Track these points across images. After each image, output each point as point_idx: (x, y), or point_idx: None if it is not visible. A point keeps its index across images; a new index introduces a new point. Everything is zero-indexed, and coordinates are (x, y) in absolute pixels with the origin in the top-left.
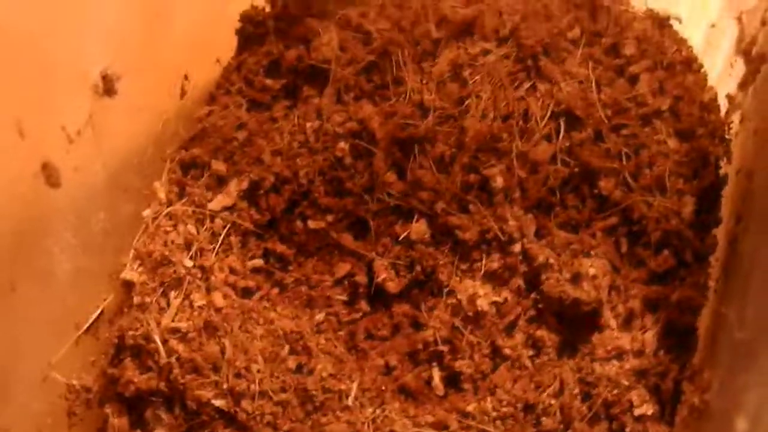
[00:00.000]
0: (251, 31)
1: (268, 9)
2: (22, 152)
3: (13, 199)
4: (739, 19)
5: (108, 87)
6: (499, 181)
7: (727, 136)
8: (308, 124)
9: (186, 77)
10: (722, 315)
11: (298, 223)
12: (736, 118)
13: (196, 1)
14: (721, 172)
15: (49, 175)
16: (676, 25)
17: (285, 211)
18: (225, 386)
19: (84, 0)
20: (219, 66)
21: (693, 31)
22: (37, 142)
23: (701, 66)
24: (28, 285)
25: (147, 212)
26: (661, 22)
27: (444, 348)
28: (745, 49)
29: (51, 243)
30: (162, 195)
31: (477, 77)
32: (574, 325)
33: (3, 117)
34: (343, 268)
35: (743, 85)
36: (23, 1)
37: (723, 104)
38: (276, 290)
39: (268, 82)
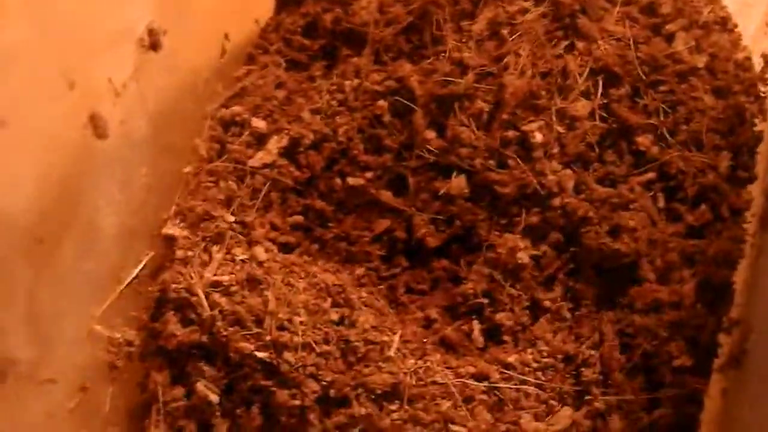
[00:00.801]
0: None
1: None
2: (72, 102)
3: (63, 149)
4: None
5: (153, 41)
6: (538, 137)
7: (762, 94)
8: (347, 83)
9: (226, 36)
10: (760, 268)
11: (338, 180)
12: None
13: None
14: (757, 129)
15: (97, 126)
16: None
17: (324, 169)
18: (268, 338)
19: None
20: (257, 26)
21: None
22: (85, 93)
23: (736, 25)
24: (74, 238)
25: (188, 168)
26: None
27: (484, 301)
28: None
29: (97, 196)
30: (203, 152)
31: (515, 35)
32: (613, 277)
33: (53, 68)
34: (382, 224)
35: None
36: None
37: (758, 63)
38: (316, 246)
39: (306, 42)
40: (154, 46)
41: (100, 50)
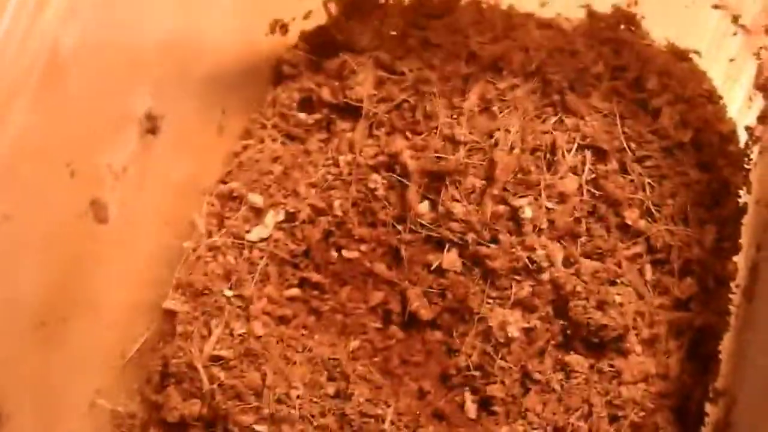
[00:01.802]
0: (286, 68)
1: (300, 50)
2: (72, 191)
3: (63, 237)
4: (758, 55)
5: (152, 126)
6: (527, 212)
7: (746, 167)
8: (341, 157)
9: (223, 112)
10: (745, 341)
11: (333, 253)
12: (755, 148)
13: (231, 40)
14: (741, 201)
15: (97, 211)
16: (695, 59)
17: (320, 241)
18: (266, 411)
19: (129, 47)
20: (255, 100)
21: (712, 64)
22: (86, 180)
23: (721, 98)
24: (78, 316)
25: (188, 243)
26: (682, 56)
27: (476, 373)
28: (763, 85)
29: (99, 275)
30: (202, 227)
31: (505, 111)
32: (601, 350)
33: (56, 159)
34: (377, 296)
35: (762, 119)
36: (76, 51)
37: (742, 135)
38: (312, 318)
39: (302, 116)
40: (153, 130)
41: (101, 137)
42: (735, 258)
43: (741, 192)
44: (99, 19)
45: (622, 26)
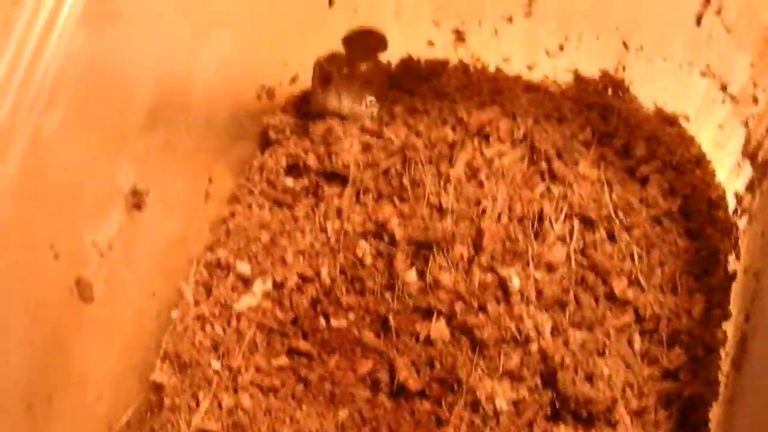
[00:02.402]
0: (272, 133)
1: (288, 118)
2: (57, 271)
3: (48, 318)
4: (746, 124)
5: (138, 201)
6: (515, 282)
7: (735, 233)
8: (329, 224)
9: (210, 180)
10: (734, 411)
11: (321, 321)
12: (743, 216)
13: (217, 107)
14: (730, 267)
15: (83, 290)
16: (684, 124)
17: (308, 310)
18: None
19: (112, 123)
20: (242, 166)
21: (701, 130)
22: (70, 260)
23: (709, 162)
24: (64, 394)
25: (175, 313)
26: (670, 120)
27: None
28: (751, 153)
29: (84, 352)
30: (189, 296)
31: (493, 179)
32: (590, 422)
33: (39, 241)
34: (365, 366)
35: (751, 188)
36: (58, 133)
37: (731, 200)
38: (301, 387)
39: (290, 182)
40: (139, 205)
41: (86, 216)
42: (724, 325)
43: (730, 257)
44: (80, 99)
45: (610, 91)
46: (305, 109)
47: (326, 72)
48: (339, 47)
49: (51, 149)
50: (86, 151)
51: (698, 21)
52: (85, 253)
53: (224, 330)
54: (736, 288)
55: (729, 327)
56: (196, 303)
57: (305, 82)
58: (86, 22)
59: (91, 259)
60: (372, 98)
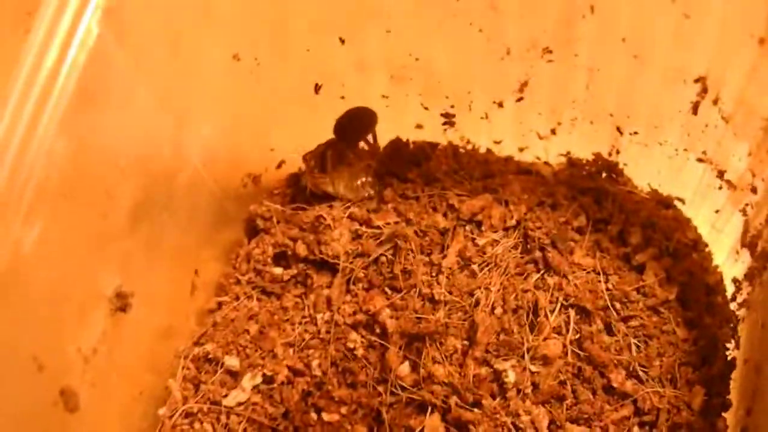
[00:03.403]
0: (259, 221)
1: (275, 205)
2: (41, 384)
3: (34, 430)
4: (744, 212)
5: (122, 304)
6: (510, 376)
7: (734, 320)
8: (319, 315)
9: (196, 272)
10: None
11: (313, 415)
12: (743, 306)
13: (201, 197)
14: (729, 355)
15: (68, 400)
16: (679, 206)
17: (299, 403)
18: None
19: (94, 230)
20: (228, 255)
21: (697, 213)
22: (54, 370)
23: (706, 245)
24: None
25: (163, 411)
26: (666, 203)
27: None
28: (750, 243)
29: None
30: (177, 393)
31: (486, 269)
32: None
33: (21, 355)
34: None
35: (749, 277)
36: (39, 246)
37: (729, 285)
38: None
39: (278, 272)
40: (124, 308)
41: (69, 324)
42: (725, 414)
43: (729, 346)
44: (61, 211)
45: (604, 174)
46: (293, 196)
47: (321, 158)
48: (326, 132)
49: (32, 260)
50: (68, 259)
51: (695, 110)
52: (69, 362)
53: (214, 427)
54: (735, 376)
55: (730, 417)
56: (185, 400)
57: (291, 167)
58: (66, 127)
59: (75, 366)
60: (368, 180)
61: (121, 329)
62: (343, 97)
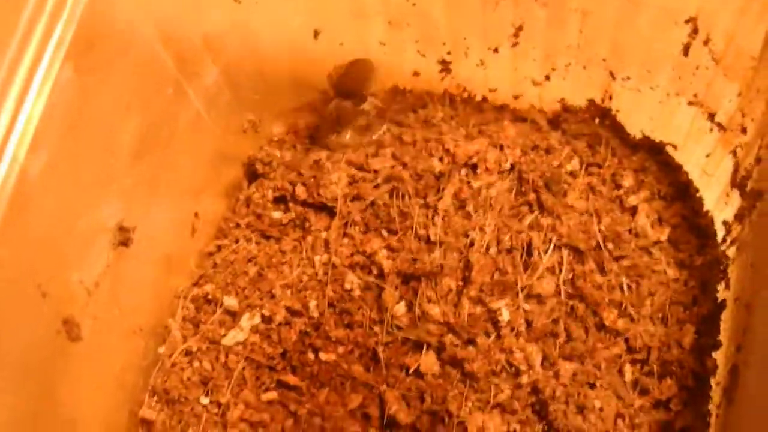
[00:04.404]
0: (259, 166)
1: (275, 151)
2: (45, 312)
3: (38, 358)
4: (734, 153)
5: (124, 238)
6: (504, 315)
7: (724, 261)
8: (317, 258)
9: (196, 215)
10: None
11: (310, 355)
12: (732, 245)
13: (202, 140)
14: (719, 296)
15: (70, 330)
16: (671, 152)
17: (296, 343)
18: None
19: (97, 162)
20: (228, 199)
21: (688, 158)
22: (58, 300)
23: (697, 191)
24: None
25: (162, 349)
26: (658, 150)
27: None
28: (740, 182)
29: (73, 392)
30: (176, 332)
31: (480, 211)
32: None
33: (26, 283)
34: (355, 400)
35: (739, 217)
36: (44, 175)
37: (719, 229)
38: (290, 422)
39: (277, 215)
40: (126, 242)
41: (72, 255)
42: (714, 354)
43: (719, 288)
44: (66, 141)
45: (597, 120)
46: (292, 143)
47: (328, 115)
48: (324, 79)
49: (38, 189)
50: (73, 189)
51: (685, 51)
52: (73, 292)
53: (212, 365)
54: (725, 317)
55: (719, 356)
56: (184, 339)
57: (291, 114)
58: (72, 57)
59: (78, 298)
60: (372, 128)
61: (123, 264)
62: (341, 44)
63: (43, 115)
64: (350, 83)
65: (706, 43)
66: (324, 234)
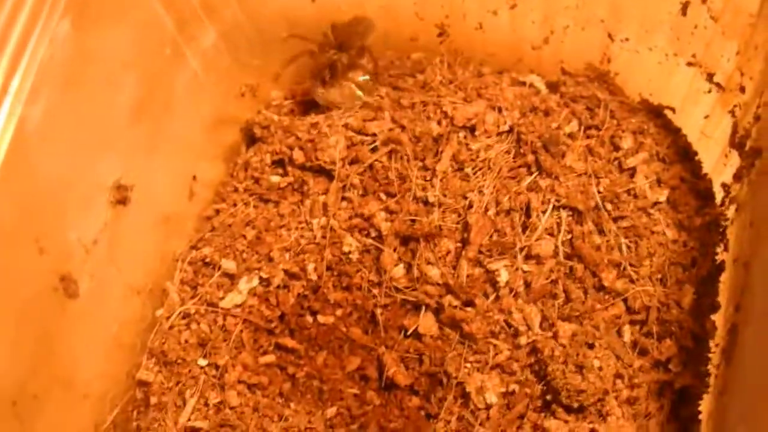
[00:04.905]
0: (257, 130)
1: (272, 114)
2: (43, 268)
3: (34, 314)
4: (733, 113)
5: (122, 197)
6: (503, 276)
7: (723, 224)
8: (315, 221)
9: (194, 178)
10: (725, 404)
11: (308, 318)
12: (731, 206)
13: (200, 104)
14: (718, 258)
15: (68, 287)
16: (670, 115)
17: (294, 306)
18: None
19: (96, 118)
20: (226, 164)
21: (687, 120)
22: (55, 256)
23: (696, 154)
24: (49, 392)
25: (160, 312)
26: (656, 112)
27: None
28: (738, 142)
29: (70, 350)
30: (174, 295)
31: (479, 172)
32: (581, 413)
33: (26, 237)
34: (353, 362)
35: (738, 177)
36: (42, 128)
37: (718, 192)
38: (288, 384)
39: (275, 179)
40: (123, 200)
41: (71, 212)
42: (713, 316)
43: (718, 249)
44: (64, 95)
45: (596, 83)
46: (290, 107)
47: (321, 65)
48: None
49: (35, 142)
50: (71, 145)
51: (684, 11)
52: (70, 249)
53: (210, 328)
54: (724, 279)
55: (718, 318)
56: (182, 301)
57: (289, 80)
58: (70, 12)
59: (75, 255)
60: (364, 88)
61: (121, 222)
62: (339, 8)
63: (40, 68)
64: (352, 35)
65: (704, 1)
66: (322, 197)
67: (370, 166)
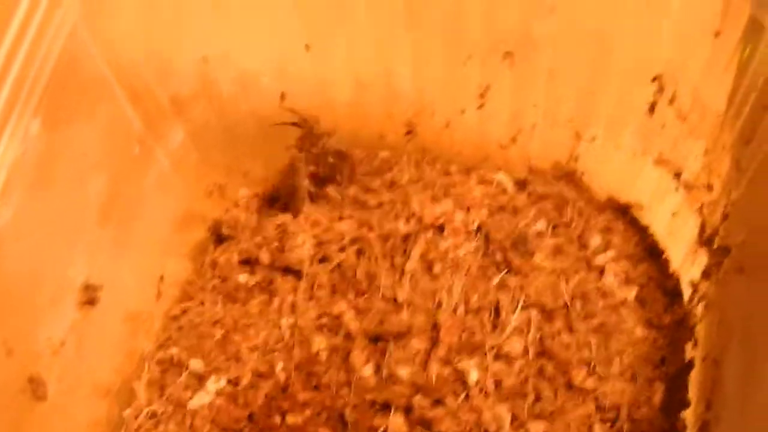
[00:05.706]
0: (225, 229)
1: (240, 213)
2: (11, 369)
3: (3, 416)
4: (700, 211)
5: (90, 297)
6: (473, 375)
7: (692, 321)
8: (283, 320)
9: (161, 278)
10: None
11: (277, 419)
12: (700, 304)
13: (168, 203)
14: (687, 356)
15: (36, 389)
16: (637, 213)
17: (263, 407)
18: None
19: (64, 219)
20: (194, 262)
21: (654, 218)
22: (24, 357)
23: (663, 252)
24: None
25: (127, 412)
26: (623, 210)
27: None
28: (707, 240)
29: None
30: (142, 395)
31: (448, 271)
32: None
33: None
34: None
35: (706, 275)
36: (10, 231)
37: (686, 289)
38: None
39: (242, 279)
40: (92, 300)
41: (39, 312)
42: (683, 413)
43: (687, 347)
44: (34, 194)
45: (563, 181)
46: (258, 207)
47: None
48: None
49: (5, 243)
50: (40, 245)
51: (651, 110)
52: (39, 350)
53: (178, 429)
54: (694, 376)
55: (689, 415)
56: (149, 401)
57: (257, 179)
58: (41, 113)
59: (44, 356)
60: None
61: (89, 323)
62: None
63: (11, 168)
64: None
65: (671, 101)
66: (290, 297)
67: (339, 265)
